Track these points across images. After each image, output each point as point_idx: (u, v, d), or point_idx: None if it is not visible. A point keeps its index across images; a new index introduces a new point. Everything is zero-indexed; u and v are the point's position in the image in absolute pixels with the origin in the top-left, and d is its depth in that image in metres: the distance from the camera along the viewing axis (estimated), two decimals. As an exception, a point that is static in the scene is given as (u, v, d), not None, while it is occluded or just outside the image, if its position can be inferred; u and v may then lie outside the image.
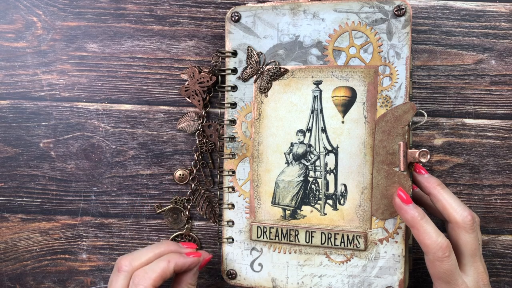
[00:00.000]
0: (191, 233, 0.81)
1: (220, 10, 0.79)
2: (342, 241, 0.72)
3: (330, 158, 0.72)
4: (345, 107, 0.71)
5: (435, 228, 0.63)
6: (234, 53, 0.75)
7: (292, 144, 0.73)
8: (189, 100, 0.78)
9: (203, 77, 0.77)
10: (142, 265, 0.67)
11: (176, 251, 0.71)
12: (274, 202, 0.74)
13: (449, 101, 0.77)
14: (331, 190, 0.72)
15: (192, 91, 0.77)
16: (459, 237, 0.65)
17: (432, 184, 0.67)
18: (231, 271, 0.77)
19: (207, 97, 0.78)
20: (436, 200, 0.66)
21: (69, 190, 0.82)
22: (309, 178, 0.73)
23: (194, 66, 0.77)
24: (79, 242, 0.83)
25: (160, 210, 0.81)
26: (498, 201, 0.78)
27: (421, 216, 0.64)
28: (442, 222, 0.70)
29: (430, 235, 0.63)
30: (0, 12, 0.80)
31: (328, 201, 0.73)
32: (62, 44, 0.81)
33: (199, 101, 0.78)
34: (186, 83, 0.78)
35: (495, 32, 0.77)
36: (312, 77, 0.72)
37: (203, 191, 0.80)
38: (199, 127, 0.79)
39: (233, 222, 0.76)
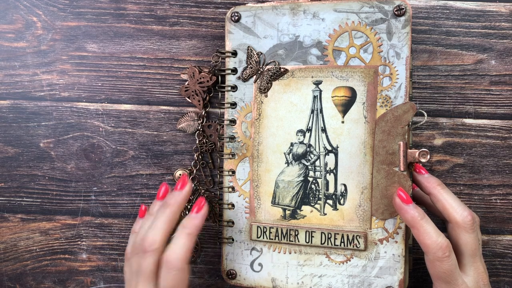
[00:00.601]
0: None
1: (220, 10, 0.79)
2: (342, 241, 0.72)
3: (330, 158, 0.72)
4: (345, 107, 0.71)
5: (435, 228, 0.64)
6: (234, 53, 0.75)
7: (292, 144, 0.73)
8: (189, 100, 0.78)
9: (203, 77, 0.77)
10: (165, 240, 0.67)
11: (180, 210, 0.70)
12: (274, 202, 0.74)
13: (449, 101, 0.77)
14: (331, 190, 0.72)
15: (192, 91, 0.77)
16: (459, 237, 0.65)
17: (432, 184, 0.67)
18: (231, 271, 0.77)
19: (207, 97, 0.78)
20: (436, 200, 0.66)
21: (69, 190, 0.82)
22: (309, 178, 0.73)
23: (194, 66, 0.77)
24: (79, 242, 0.83)
25: None
26: (498, 201, 0.78)
27: (421, 216, 0.64)
28: (442, 222, 0.70)
29: (430, 235, 0.63)
30: (0, 12, 0.81)
31: (328, 201, 0.73)
32: (62, 44, 0.81)
33: (199, 101, 0.77)
34: (186, 83, 0.78)
35: (495, 32, 0.77)
36: (312, 77, 0.72)
37: (203, 191, 0.80)
38: (199, 127, 0.79)
39: (233, 222, 0.76)
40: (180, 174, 0.81)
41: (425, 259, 0.65)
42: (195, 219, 0.68)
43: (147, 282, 0.65)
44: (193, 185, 0.74)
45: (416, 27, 0.77)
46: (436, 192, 0.66)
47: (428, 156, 0.66)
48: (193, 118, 0.79)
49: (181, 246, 0.66)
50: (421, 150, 0.67)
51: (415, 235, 0.64)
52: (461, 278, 0.63)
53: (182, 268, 0.65)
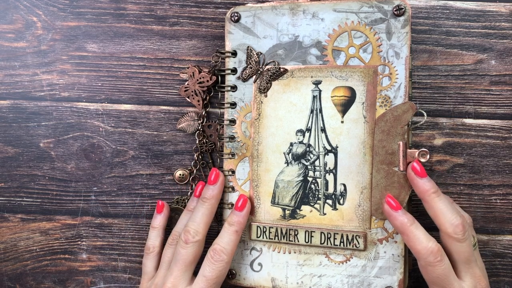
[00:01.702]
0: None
1: (220, 10, 0.79)
2: (342, 241, 0.72)
3: (330, 158, 0.72)
4: (345, 107, 0.71)
5: (426, 233, 0.64)
6: (234, 53, 0.75)
7: (291, 144, 0.73)
8: (189, 100, 0.78)
9: (203, 77, 0.77)
10: (206, 233, 0.73)
11: (217, 203, 0.75)
12: (273, 202, 0.74)
13: (449, 101, 0.77)
14: (331, 190, 0.72)
15: (192, 91, 0.77)
16: (451, 247, 0.64)
17: (427, 190, 0.65)
18: (231, 270, 0.77)
19: (207, 97, 0.78)
20: (428, 207, 0.65)
21: (69, 190, 0.82)
22: (308, 178, 0.73)
23: (194, 66, 0.77)
24: (79, 242, 0.83)
25: None
26: (498, 201, 0.78)
27: (410, 222, 0.65)
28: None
29: (420, 241, 0.63)
30: (0, 12, 0.81)
31: (328, 201, 0.73)
32: (62, 44, 0.81)
33: (198, 101, 0.77)
34: (186, 83, 0.78)
35: (495, 32, 0.77)
36: (312, 77, 0.72)
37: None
38: (199, 127, 0.79)
39: (232, 222, 0.76)
40: (180, 174, 0.81)
41: (418, 265, 0.65)
42: (241, 217, 0.73)
43: (184, 269, 0.70)
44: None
45: (416, 27, 0.77)
46: (429, 199, 0.65)
47: (428, 156, 0.66)
48: (193, 118, 0.79)
49: (229, 242, 0.71)
50: (420, 150, 0.67)
51: (405, 241, 0.65)
52: (457, 282, 0.63)
53: (229, 261, 0.70)
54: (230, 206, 0.76)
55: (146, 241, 0.77)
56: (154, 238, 0.77)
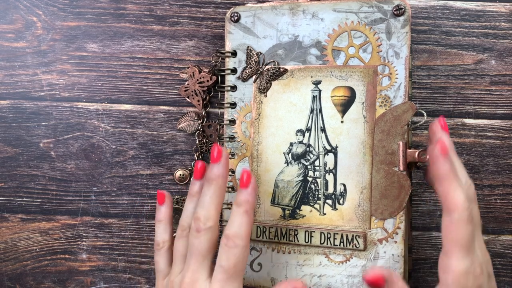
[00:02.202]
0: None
1: (220, 10, 0.79)
2: (342, 241, 0.72)
3: (330, 158, 0.72)
4: (344, 107, 0.71)
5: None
6: (234, 53, 0.75)
7: (291, 144, 0.73)
8: (189, 100, 0.78)
9: (203, 77, 0.77)
10: (218, 217, 0.65)
11: (225, 183, 0.66)
12: (273, 202, 0.74)
13: (449, 101, 0.77)
14: (331, 190, 0.72)
15: (192, 91, 0.77)
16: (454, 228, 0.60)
17: (440, 172, 0.58)
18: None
19: (207, 97, 0.78)
20: (439, 185, 0.58)
21: (69, 190, 0.82)
22: (308, 178, 0.73)
23: (194, 66, 0.77)
24: (79, 242, 0.83)
25: None
26: (498, 201, 0.78)
27: (455, 171, 0.58)
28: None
29: (461, 192, 0.57)
30: (0, 12, 0.81)
31: (328, 201, 0.73)
32: (62, 44, 0.81)
33: (198, 101, 0.78)
34: (186, 83, 0.78)
35: (495, 32, 0.77)
36: (311, 77, 0.72)
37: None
38: (199, 127, 0.79)
39: (232, 222, 0.76)
40: (180, 175, 0.81)
41: (445, 221, 0.58)
42: (248, 195, 0.64)
43: (201, 259, 0.64)
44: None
45: (416, 27, 0.77)
46: (443, 180, 0.58)
47: (428, 156, 0.66)
48: (193, 118, 0.79)
49: (240, 224, 0.63)
50: (420, 150, 0.67)
51: (443, 189, 0.58)
52: (476, 248, 0.58)
53: (246, 245, 0.63)
54: (230, 206, 0.76)
55: (154, 237, 0.72)
56: (162, 232, 0.72)
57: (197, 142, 0.79)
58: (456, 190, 0.57)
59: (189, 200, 0.70)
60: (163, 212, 0.73)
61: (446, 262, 0.58)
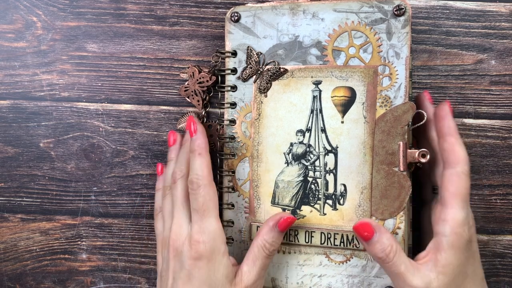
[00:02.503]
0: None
1: (220, 10, 0.79)
2: (342, 241, 0.72)
3: (330, 158, 0.72)
4: (345, 107, 0.71)
5: None
6: (234, 53, 0.75)
7: (291, 144, 0.73)
8: (189, 100, 0.78)
9: (203, 77, 0.77)
10: (209, 174, 0.70)
11: (208, 154, 0.72)
12: (273, 202, 0.74)
13: (449, 101, 0.77)
14: (331, 190, 0.72)
15: (192, 91, 0.77)
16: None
17: (446, 130, 0.66)
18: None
19: (207, 97, 0.78)
20: (443, 141, 0.66)
21: (69, 190, 0.82)
22: (308, 178, 0.73)
23: (194, 66, 0.77)
24: (79, 242, 0.83)
25: None
26: (498, 201, 0.78)
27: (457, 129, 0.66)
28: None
29: (464, 149, 0.64)
30: (0, 12, 0.81)
31: (328, 201, 0.73)
32: (62, 44, 0.81)
33: (198, 101, 0.78)
34: (186, 83, 0.78)
35: (495, 32, 0.77)
36: (312, 77, 0.72)
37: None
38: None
39: (233, 222, 0.76)
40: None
41: (448, 173, 0.64)
42: (197, 140, 0.71)
43: (182, 207, 0.70)
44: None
45: (416, 27, 0.77)
46: (445, 142, 0.66)
47: (428, 156, 0.66)
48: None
49: (198, 166, 0.69)
50: (421, 150, 0.67)
51: (447, 145, 0.65)
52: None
53: (208, 183, 0.69)
54: (230, 206, 0.76)
55: (154, 205, 0.77)
56: (159, 199, 0.77)
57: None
58: (460, 145, 0.64)
59: (169, 165, 0.76)
60: (161, 182, 0.78)
61: (444, 213, 0.63)
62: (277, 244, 0.70)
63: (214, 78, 0.76)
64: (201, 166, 0.69)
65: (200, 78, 0.77)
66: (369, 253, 0.66)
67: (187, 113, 0.80)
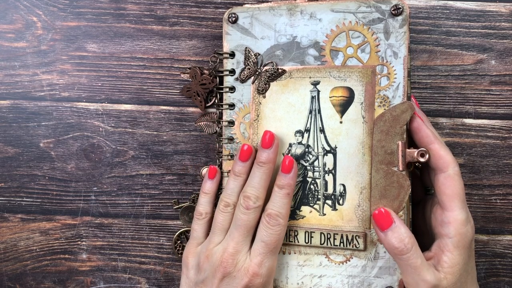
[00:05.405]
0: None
1: (220, 10, 0.79)
2: (342, 241, 0.72)
3: (329, 159, 0.72)
4: (343, 107, 0.71)
5: None
6: (232, 54, 0.74)
7: (290, 145, 0.73)
8: (192, 100, 0.78)
9: (205, 79, 0.77)
10: (265, 196, 0.71)
11: (274, 167, 0.73)
12: (272, 202, 0.74)
13: (449, 101, 0.77)
14: (330, 190, 0.72)
15: (194, 92, 0.78)
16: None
17: (425, 140, 0.68)
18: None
19: (208, 98, 0.78)
20: (432, 150, 0.67)
21: (69, 190, 0.82)
22: (307, 179, 0.73)
23: (195, 67, 0.77)
24: (79, 242, 0.83)
25: (177, 206, 0.82)
26: (498, 201, 0.78)
27: (436, 134, 0.68)
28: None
29: (449, 151, 0.66)
30: (0, 12, 0.81)
31: (327, 201, 0.73)
32: (62, 44, 0.81)
33: (201, 101, 0.78)
34: (188, 84, 0.78)
35: (495, 32, 0.77)
36: (310, 77, 0.72)
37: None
38: (218, 129, 0.78)
39: (232, 222, 0.76)
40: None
41: (441, 178, 0.66)
42: (290, 179, 0.70)
43: (246, 234, 0.70)
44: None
45: (416, 27, 0.77)
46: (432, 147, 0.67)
47: (427, 156, 0.66)
48: (213, 119, 0.79)
49: (282, 205, 0.70)
50: (419, 149, 0.66)
51: (434, 152, 0.66)
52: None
53: (285, 224, 0.70)
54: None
55: (197, 206, 0.76)
56: (205, 204, 0.76)
57: (216, 144, 0.79)
58: (445, 150, 0.66)
59: (232, 179, 0.73)
60: (209, 186, 0.76)
61: (446, 216, 0.65)
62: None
63: (216, 80, 0.76)
64: (287, 206, 0.70)
65: (202, 80, 0.77)
66: (384, 244, 0.66)
67: (208, 113, 0.80)
